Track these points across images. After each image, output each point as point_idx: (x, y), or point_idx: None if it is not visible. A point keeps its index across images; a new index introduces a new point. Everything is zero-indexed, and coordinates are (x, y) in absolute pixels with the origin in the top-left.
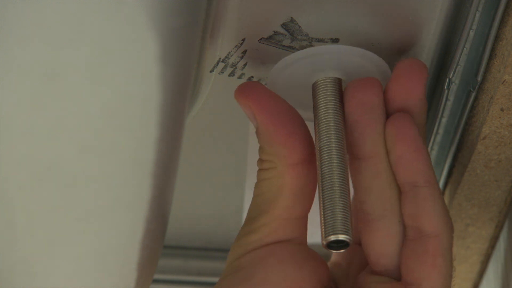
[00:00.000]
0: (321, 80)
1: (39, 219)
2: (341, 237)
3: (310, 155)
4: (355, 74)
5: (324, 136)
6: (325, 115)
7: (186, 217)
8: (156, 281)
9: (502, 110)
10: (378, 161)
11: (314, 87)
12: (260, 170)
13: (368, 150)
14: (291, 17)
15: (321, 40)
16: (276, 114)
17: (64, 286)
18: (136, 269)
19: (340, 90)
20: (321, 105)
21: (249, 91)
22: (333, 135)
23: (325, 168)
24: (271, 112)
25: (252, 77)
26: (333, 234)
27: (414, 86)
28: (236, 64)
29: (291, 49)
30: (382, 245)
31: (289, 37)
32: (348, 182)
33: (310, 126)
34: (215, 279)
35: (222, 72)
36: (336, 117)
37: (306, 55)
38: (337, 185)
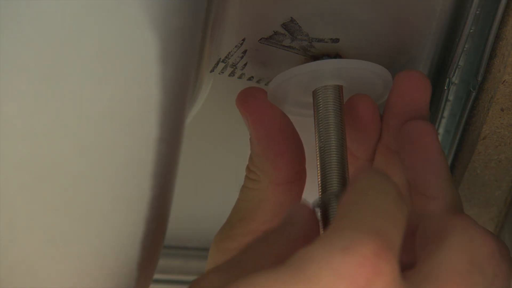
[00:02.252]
0: (322, 88)
1: (39, 219)
2: None
3: (297, 174)
4: (356, 81)
5: (324, 136)
6: (325, 118)
7: (186, 217)
8: (156, 281)
9: (502, 110)
10: None
11: (315, 94)
12: (246, 177)
13: None
14: (291, 17)
15: (321, 40)
16: (270, 130)
17: (64, 286)
18: (136, 269)
19: (341, 96)
20: (321, 110)
21: (248, 100)
22: (333, 137)
23: (325, 166)
24: (266, 128)
25: (252, 77)
26: None
27: (420, 105)
28: (236, 64)
29: (291, 49)
30: None
31: (289, 37)
32: (347, 181)
33: (309, 122)
34: None
35: (222, 72)
36: (336, 120)
37: (306, 71)
38: (335, 186)
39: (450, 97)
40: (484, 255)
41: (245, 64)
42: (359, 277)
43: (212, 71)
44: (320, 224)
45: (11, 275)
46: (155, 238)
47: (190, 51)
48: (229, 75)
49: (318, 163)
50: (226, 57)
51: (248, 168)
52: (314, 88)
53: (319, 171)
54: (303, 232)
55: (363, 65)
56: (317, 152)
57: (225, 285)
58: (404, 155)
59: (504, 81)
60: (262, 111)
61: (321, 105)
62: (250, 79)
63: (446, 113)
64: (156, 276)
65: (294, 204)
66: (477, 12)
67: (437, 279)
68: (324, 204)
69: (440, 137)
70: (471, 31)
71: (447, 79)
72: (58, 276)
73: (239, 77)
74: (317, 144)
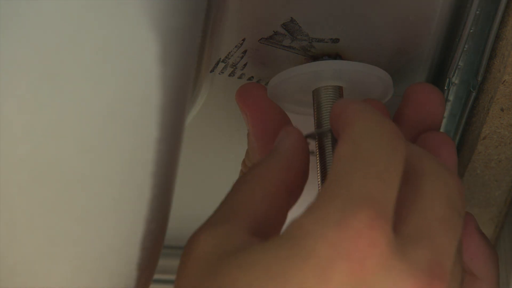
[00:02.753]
0: (322, 88)
1: (39, 219)
2: None
3: None
4: (356, 83)
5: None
6: (325, 119)
7: (186, 217)
8: (156, 281)
9: (502, 110)
10: None
11: (315, 94)
12: (242, 171)
13: None
14: (291, 17)
15: (321, 40)
16: (268, 127)
17: (64, 286)
18: (136, 269)
19: (341, 97)
20: (323, 110)
21: (248, 96)
22: (331, 137)
23: (324, 163)
24: (263, 124)
25: (252, 77)
26: None
27: (437, 119)
28: (236, 64)
29: (291, 49)
30: None
31: (289, 37)
32: None
33: (308, 121)
34: None
35: (222, 72)
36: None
37: (307, 71)
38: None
39: (450, 97)
40: (456, 195)
41: (245, 64)
42: (355, 251)
43: (212, 71)
44: (317, 158)
45: (11, 275)
46: (155, 238)
47: (190, 51)
48: (229, 75)
49: (318, 164)
50: (226, 57)
51: (244, 163)
52: (314, 88)
53: (318, 167)
54: (292, 162)
55: (364, 68)
56: (316, 149)
57: (221, 248)
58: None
59: (504, 81)
60: (260, 107)
61: (321, 105)
62: (250, 79)
63: (446, 113)
64: (156, 276)
65: (284, 129)
66: (477, 12)
67: (426, 233)
68: (320, 137)
69: None
70: (471, 31)
71: (447, 79)
72: (58, 276)
73: (239, 77)
74: (317, 144)
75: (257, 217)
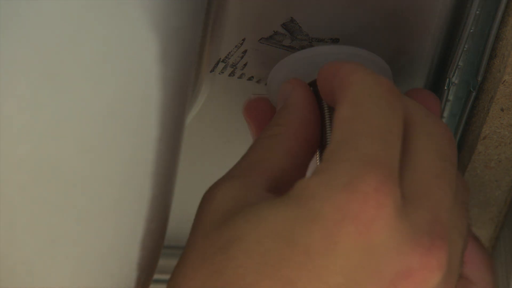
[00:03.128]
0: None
1: (39, 219)
2: None
3: None
4: None
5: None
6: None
7: (186, 217)
8: (156, 281)
9: (502, 110)
10: None
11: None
12: None
13: None
14: (291, 17)
15: (321, 40)
16: None
17: (64, 286)
18: (136, 269)
19: None
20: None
21: (253, 110)
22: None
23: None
24: None
25: (252, 77)
26: None
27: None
28: (236, 64)
29: (291, 49)
30: None
31: (289, 37)
32: None
33: None
34: None
35: (222, 72)
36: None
37: (305, 56)
38: None
39: (450, 97)
40: (446, 145)
41: (245, 64)
42: (363, 214)
43: (212, 71)
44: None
45: (11, 275)
46: (155, 238)
47: (190, 51)
48: (229, 75)
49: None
50: (226, 57)
51: None
52: (313, 78)
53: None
54: (308, 116)
55: (363, 53)
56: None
57: (235, 201)
58: None
59: (504, 81)
60: (263, 121)
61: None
62: (250, 79)
63: (446, 113)
64: (156, 276)
65: (289, 82)
66: (477, 12)
67: (422, 191)
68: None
69: None
70: (471, 31)
71: (447, 79)
72: (58, 276)
73: (239, 77)
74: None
75: (275, 173)
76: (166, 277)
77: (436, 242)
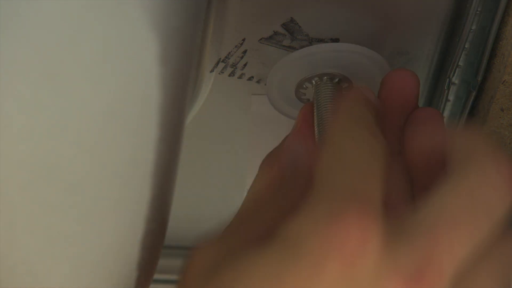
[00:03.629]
0: (322, 84)
1: (39, 219)
2: None
3: None
4: (355, 71)
5: (321, 126)
6: (325, 105)
7: (186, 217)
8: (156, 281)
9: (502, 110)
10: None
11: (314, 88)
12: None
13: None
14: (291, 17)
15: (321, 40)
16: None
17: (64, 286)
18: (136, 269)
19: (340, 87)
20: (321, 98)
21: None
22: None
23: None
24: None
25: (252, 77)
26: None
27: (411, 98)
28: (236, 64)
29: (291, 49)
30: None
31: (289, 37)
32: None
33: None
34: None
35: (222, 72)
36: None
37: (304, 54)
38: None
39: (450, 97)
40: (491, 193)
41: (245, 64)
42: (346, 247)
43: (212, 71)
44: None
45: (11, 275)
46: (155, 238)
47: (190, 51)
48: (229, 75)
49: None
50: (226, 57)
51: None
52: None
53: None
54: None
55: (363, 50)
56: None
57: (220, 260)
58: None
59: (504, 81)
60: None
61: (321, 95)
62: (250, 79)
63: (446, 113)
64: (156, 276)
65: (290, 142)
66: (477, 11)
67: (429, 227)
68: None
69: None
70: (471, 30)
71: (447, 79)
72: (58, 276)
73: (239, 77)
74: (316, 133)
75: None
76: (166, 277)
77: (425, 279)
